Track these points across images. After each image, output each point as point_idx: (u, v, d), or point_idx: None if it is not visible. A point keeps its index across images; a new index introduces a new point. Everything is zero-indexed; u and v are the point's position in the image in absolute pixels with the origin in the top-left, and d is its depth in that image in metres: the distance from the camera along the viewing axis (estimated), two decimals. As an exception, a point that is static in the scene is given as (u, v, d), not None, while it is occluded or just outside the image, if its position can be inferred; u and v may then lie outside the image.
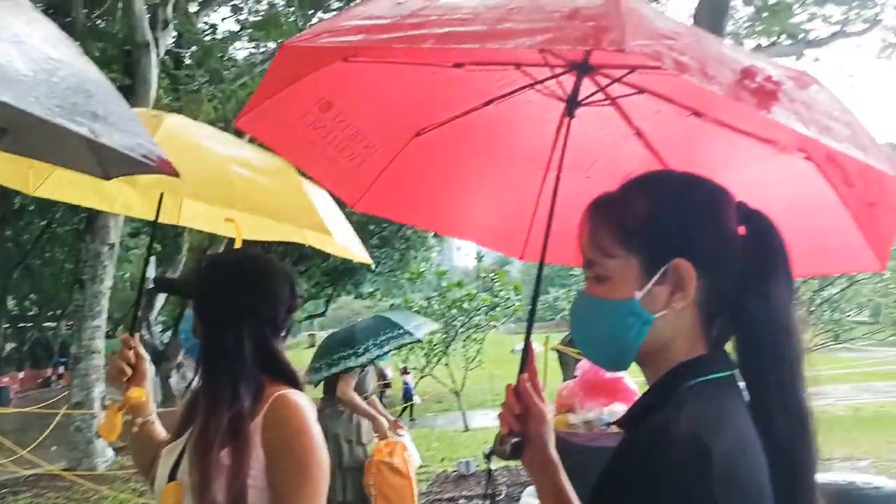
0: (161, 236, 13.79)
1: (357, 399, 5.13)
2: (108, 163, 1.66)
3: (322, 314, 25.68)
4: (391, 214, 2.08)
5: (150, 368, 2.05)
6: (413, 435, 6.65)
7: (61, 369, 29.15)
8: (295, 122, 1.64)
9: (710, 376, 1.03)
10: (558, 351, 8.67)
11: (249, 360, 1.58)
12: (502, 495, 7.18)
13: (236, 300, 1.62)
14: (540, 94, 1.60)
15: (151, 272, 17.46)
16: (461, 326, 14.50)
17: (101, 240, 10.33)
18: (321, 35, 1.27)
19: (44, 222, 21.42)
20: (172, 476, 1.58)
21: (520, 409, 1.34)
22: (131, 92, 10.13)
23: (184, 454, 1.59)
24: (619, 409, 3.83)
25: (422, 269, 17.45)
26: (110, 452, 10.40)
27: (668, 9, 14.56)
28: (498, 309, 14.75)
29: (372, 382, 5.51)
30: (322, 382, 5.26)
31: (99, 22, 13.65)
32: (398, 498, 4.98)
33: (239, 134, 4.98)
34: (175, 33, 13.33)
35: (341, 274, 20.00)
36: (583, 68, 1.53)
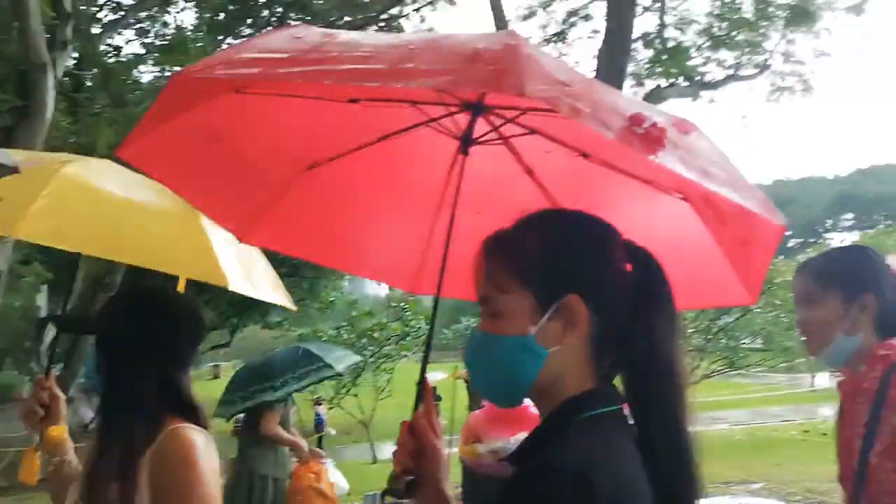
0: (54, 264, 13.11)
1: (281, 432, 5.01)
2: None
3: (227, 345, 24.94)
4: (283, 248, 2.05)
5: (65, 407, 1.99)
6: (321, 467, 6.51)
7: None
8: (181, 154, 1.61)
9: (599, 411, 1.06)
10: (466, 381, 8.70)
11: (149, 396, 1.57)
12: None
13: (139, 336, 1.61)
14: (434, 131, 1.62)
15: (43, 302, 16.54)
16: (371, 356, 14.36)
17: (-13, 267, 9.73)
18: (216, 67, 1.25)
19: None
20: None
21: (414, 446, 1.32)
22: (26, 113, 9.66)
23: None
24: (526, 438, 3.86)
25: (332, 299, 17.25)
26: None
27: (575, 48, 15.11)
28: (409, 338, 14.71)
29: (293, 415, 5.39)
30: (242, 415, 5.09)
31: (-8, 40, 13.05)
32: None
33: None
34: (76, 55, 12.86)
35: (248, 303, 19.52)
36: (477, 108, 1.57)
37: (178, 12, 14.75)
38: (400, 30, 15.05)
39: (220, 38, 14.42)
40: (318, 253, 2.10)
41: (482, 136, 1.62)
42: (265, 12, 14.66)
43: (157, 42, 15.28)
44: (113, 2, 14.57)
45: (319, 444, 17.86)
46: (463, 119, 1.60)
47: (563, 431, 1.03)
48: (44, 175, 2.02)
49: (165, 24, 15.28)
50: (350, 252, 2.03)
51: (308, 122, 1.63)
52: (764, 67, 15.04)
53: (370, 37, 1.14)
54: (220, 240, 2.35)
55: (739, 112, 17.79)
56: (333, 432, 16.98)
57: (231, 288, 2.35)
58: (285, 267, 17.12)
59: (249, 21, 14.49)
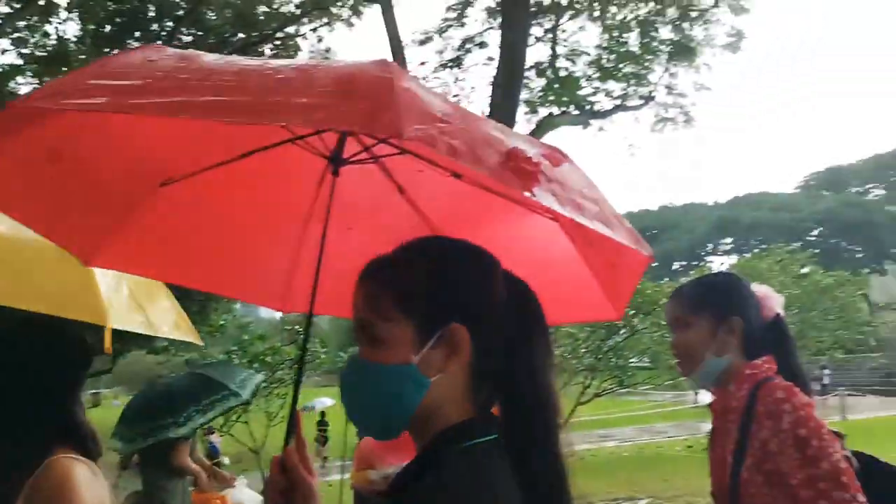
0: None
1: (192, 463, 4.80)
2: None
3: (108, 371, 23.60)
4: (132, 268, 1.96)
5: None
6: (208, 499, 6.27)
7: None
8: (16, 176, 1.49)
9: (476, 440, 1.05)
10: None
11: (36, 425, 1.51)
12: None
13: (23, 364, 1.54)
14: (301, 148, 1.58)
15: None
16: (264, 382, 13.95)
17: None
18: (59, 96, 1.15)
19: None
20: None
21: (286, 484, 1.26)
22: None
23: None
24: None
25: (222, 322, 16.67)
26: None
27: (471, 74, 15.41)
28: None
29: (197, 442, 5.18)
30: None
31: None
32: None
33: None
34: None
35: (131, 327, 18.56)
36: (346, 128, 1.56)
37: (59, 23, 13.99)
38: (296, 49, 14.89)
39: (107, 50, 13.81)
40: (172, 272, 2.01)
41: (353, 155, 1.60)
42: (154, 25, 14.18)
43: (37, 53, 14.47)
44: (-13, 10, 13.73)
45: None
46: (331, 137, 1.57)
47: (441, 462, 1.02)
48: None
49: (46, 35, 14.50)
50: (209, 271, 1.95)
51: (161, 136, 1.54)
52: (649, 99, 15.84)
53: (234, 62, 1.03)
54: (111, 274, 2.23)
55: (628, 140, 18.77)
56: (227, 461, 16.39)
57: (112, 325, 2.23)
58: (170, 288, 16.43)
59: (137, 34, 13.96)
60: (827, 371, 25.90)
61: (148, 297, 2.41)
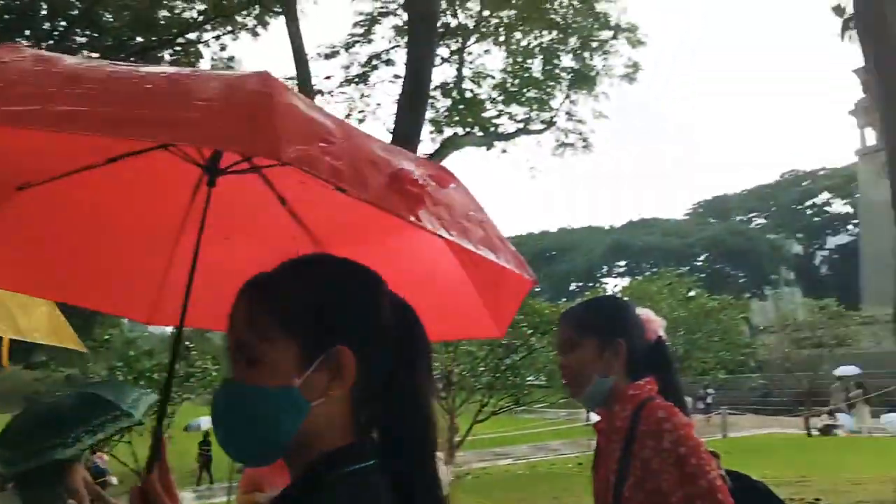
0: None
1: (83, 487, 4.48)
2: None
3: (-22, 386, 21.98)
4: None
5: None
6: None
7: None
8: None
9: (355, 466, 1.02)
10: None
11: None
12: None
13: None
14: (174, 155, 1.50)
15: None
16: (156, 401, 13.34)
17: None
18: None
19: None
20: None
21: None
22: None
23: None
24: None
25: (107, 336, 15.88)
26: None
27: (377, 91, 15.44)
28: (193, 380, 13.86)
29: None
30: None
31: None
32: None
33: None
34: None
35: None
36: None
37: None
38: (198, 56, 14.49)
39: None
40: (26, 283, 1.88)
41: (231, 165, 1.53)
42: (46, 24, 13.47)
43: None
44: None
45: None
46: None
47: (319, 488, 0.99)
48: None
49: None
50: (68, 281, 1.83)
51: (16, 136, 1.40)
52: (550, 124, 16.33)
53: (99, 67, 0.93)
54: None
55: (530, 163, 19.15)
56: (116, 481, 15.57)
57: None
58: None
59: (28, 33, 13.21)
60: (710, 391, 27.14)
61: (18, 301, 2.24)
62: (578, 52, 15.88)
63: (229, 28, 14.43)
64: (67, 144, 1.43)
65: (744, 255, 56.98)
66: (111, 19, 13.85)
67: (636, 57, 16.10)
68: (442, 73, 15.58)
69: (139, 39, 13.74)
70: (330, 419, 1.04)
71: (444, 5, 14.18)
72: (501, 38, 15.72)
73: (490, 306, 1.64)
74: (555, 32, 15.75)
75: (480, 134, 15.46)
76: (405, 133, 9.40)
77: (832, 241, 61.61)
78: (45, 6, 13.29)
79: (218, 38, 14.70)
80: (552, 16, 15.35)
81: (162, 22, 13.96)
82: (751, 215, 65.77)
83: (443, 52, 15.04)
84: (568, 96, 16.15)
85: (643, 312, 2.20)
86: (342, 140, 1.05)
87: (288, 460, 1.06)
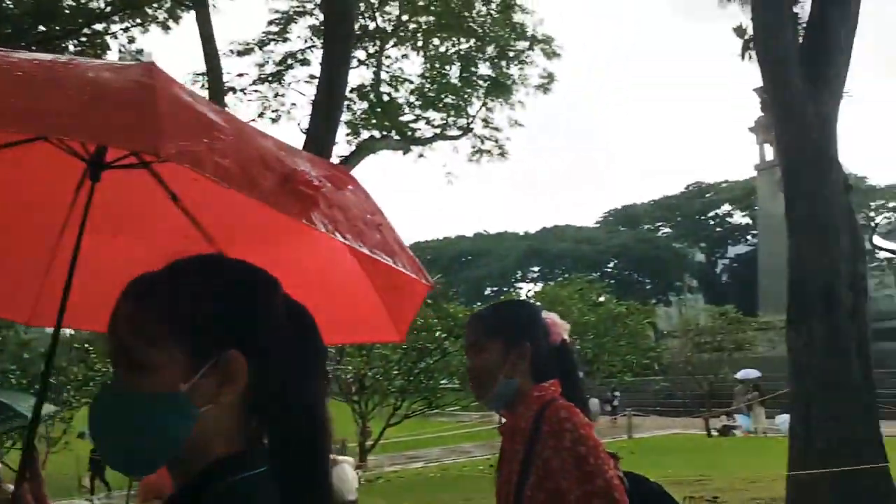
0: None
1: None
2: None
3: None
4: None
5: None
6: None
7: None
8: None
9: (245, 474, 0.99)
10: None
11: None
12: None
13: None
14: (57, 148, 1.41)
15: None
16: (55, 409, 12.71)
17: None
18: None
19: None
20: None
21: None
22: None
23: None
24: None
25: (-1, 338, 15.04)
26: None
27: (292, 91, 15.20)
28: (92, 384, 13.27)
29: None
30: None
31: None
32: None
33: None
34: None
35: None
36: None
37: None
38: (105, 48, 13.89)
39: None
40: None
41: (118, 159, 1.46)
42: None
43: None
44: None
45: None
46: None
47: (205, 498, 0.95)
48: None
49: None
50: None
51: None
52: (467, 130, 16.47)
53: None
54: None
55: (447, 168, 19.22)
56: (12, 487, 14.65)
57: None
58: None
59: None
60: (617, 393, 27.94)
61: None
62: (495, 60, 16.10)
63: (139, 20, 13.90)
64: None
65: (650, 262, 58.92)
66: (11, 5, 13.11)
67: (551, 68, 16.43)
68: (359, 76, 15.50)
69: (41, 28, 13.05)
70: (219, 426, 1.00)
71: (361, 8, 14.10)
72: (419, 44, 15.77)
73: (391, 311, 1.64)
74: (472, 40, 15.92)
75: (397, 138, 15.44)
76: (319, 134, 9.30)
77: (732, 251, 64.50)
78: (-65, -12, 12.48)
79: (126, 30, 14.12)
80: (470, 24, 15.51)
81: (66, 11, 13.30)
82: (658, 224, 68.05)
83: (360, 54, 14.96)
84: (485, 104, 16.35)
85: (549, 316, 2.25)
86: (232, 137, 1.01)
87: (174, 468, 1.02)
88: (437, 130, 16.19)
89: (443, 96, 15.84)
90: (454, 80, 15.78)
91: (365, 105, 15.18)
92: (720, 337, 27.50)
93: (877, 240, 65.74)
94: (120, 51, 14.09)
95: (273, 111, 15.05)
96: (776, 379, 23.74)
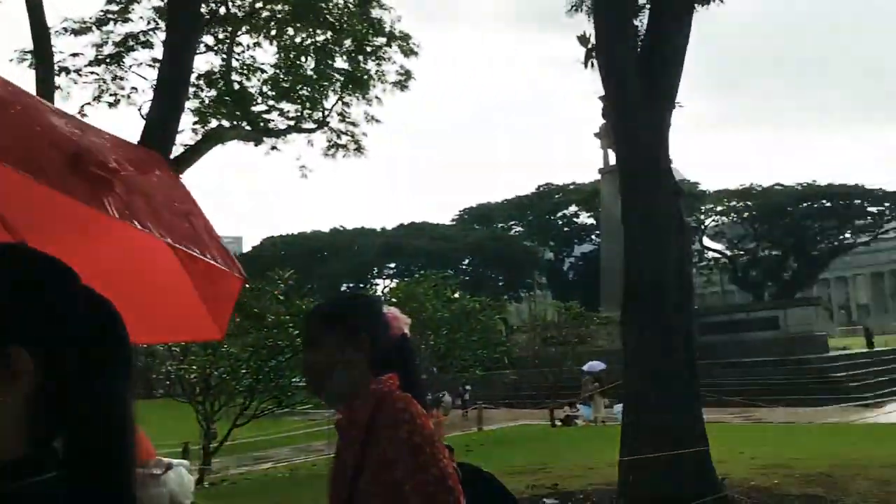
0: None
1: None
2: None
3: None
4: None
5: None
6: None
7: None
8: None
9: (31, 479, 0.91)
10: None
11: None
12: None
13: None
14: None
15: None
16: None
17: None
18: None
19: None
20: None
21: None
22: None
23: None
24: None
25: None
26: None
27: (133, 75, 14.32)
28: None
29: None
30: None
31: None
32: None
33: None
34: None
35: None
36: None
37: None
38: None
39: None
40: None
41: None
42: None
43: None
44: None
45: None
46: None
47: None
48: None
49: None
50: None
51: None
52: (322, 124, 16.20)
53: None
54: None
55: (301, 162, 18.74)
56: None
57: None
58: None
59: None
60: (468, 387, 28.62)
61: None
62: (353, 54, 15.94)
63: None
64: None
65: (503, 259, 60.80)
66: None
67: (409, 65, 16.47)
68: (207, 62, 14.87)
69: None
70: (1, 428, 0.92)
71: (211, -9, 13.53)
72: (273, 33, 15.33)
73: (211, 308, 1.56)
74: (329, 33, 15.69)
75: (248, 128, 14.94)
76: (161, 120, 8.83)
77: (579, 250, 67.91)
78: None
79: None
80: (326, 16, 15.27)
81: None
82: (510, 223, 70.38)
83: (209, 39, 14.33)
84: (341, 97, 16.15)
85: (390, 310, 2.24)
86: (15, 113, 0.92)
87: None
88: (292, 123, 15.82)
89: (298, 88, 15.49)
90: (310, 72, 15.47)
91: (214, 93, 14.56)
92: (565, 331, 28.83)
93: (706, 241, 71.43)
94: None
95: (111, 95, 14.13)
96: (616, 371, 25.28)
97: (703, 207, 66.47)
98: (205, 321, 1.58)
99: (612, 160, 38.58)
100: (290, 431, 20.26)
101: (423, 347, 21.62)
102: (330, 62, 15.77)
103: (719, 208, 67.84)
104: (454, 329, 23.23)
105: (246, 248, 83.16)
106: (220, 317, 1.60)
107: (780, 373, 26.76)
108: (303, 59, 15.55)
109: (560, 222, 68.29)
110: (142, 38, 14.00)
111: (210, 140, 13.56)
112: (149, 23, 14.16)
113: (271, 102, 15.56)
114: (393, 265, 64.29)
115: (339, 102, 16.20)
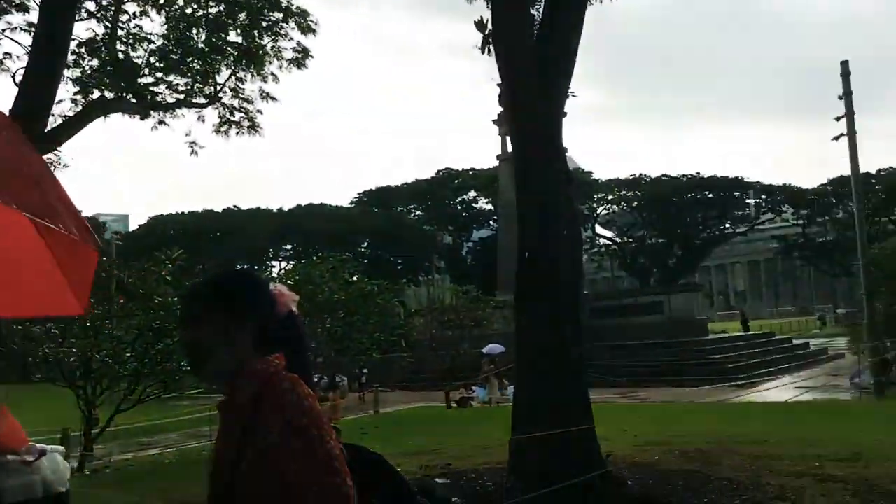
0: None
1: None
2: None
3: None
4: None
5: None
6: None
7: None
8: None
9: None
10: None
11: None
12: None
13: None
14: None
15: None
16: None
17: None
18: None
19: None
20: None
21: None
22: None
23: None
24: None
25: None
26: None
27: (4, 40, 13.31)
28: None
29: None
30: None
31: None
32: None
33: None
34: None
35: None
36: None
37: None
38: None
39: None
40: None
41: None
42: None
43: None
44: None
45: None
46: None
47: None
48: None
49: None
50: None
51: None
52: (214, 99, 15.58)
53: None
54: None
55: (190, 138, 17.79)
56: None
57: None
58: None
59: None
60: (365, 370, 28.58)
61: None
62: (247, 29, 15.39)
63: None
64: None
65: (402, 243, 60.88)
66: None
67: (306, 43, 16.05)
68: (90, 29, 14.01)
69: None
70: None
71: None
72: (162, 2, 14.59)
73: (71, 279, 1.46)
74: (222, 5, 15.10)
75: (134, 101, 14.20)
76: (36, 87, 8.26)
77: (477, 235, 68.88)
78: None
79: None
80: (220, -13, 14.70)
81: None
82: (410, 207, 70.46)
83: (90, 5, 13.49)
84: (234, 73, 15.57)
85: (276, 287, 2.19)
86: None
87: None
88: (181, 97, 15.13)
89: (188, 61, 14.82)
90: (201, 45, 14.82)
91: (96, 62, 13.75)
92: (462, 315, 29.18)
93: (598, 229, 73.94)
94: None
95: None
96: (513, 353, 25.84)
97: (595, 196, 68.75)
98: (67, 296, 1.49)
99: (510, 147, 39.25)
100: (178, 416, 19.62)
101: (319, 331, 21.36)
102: (223, 35, 15.17)
103: (611, 197, 70.37)
104: (351, 312, 23.06)
105: (133, 227, 79.66)
106: (81, 293, 1.50)
107: (663, 355, 28.11)
108: (194, 31, 14.88)
109: (459, 207, 68.97)
110: (16, 1, 13.03)
111: (92, 112, 12.80)
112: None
113: (159, 75, 14.83)
114: (289, 247, 63.23)
115: (233, 78, 15.63)
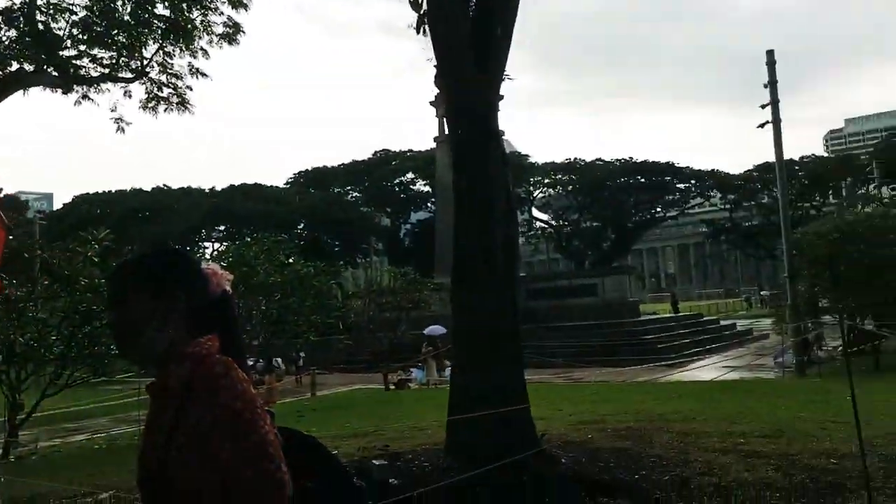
0: None
1: None
2: None
3: None
4: None
5: None
6: None
7: None
8: None
9: None
10: None
11: None
12: None
13: None
14: None
15: None
16: None
17: None
18: None
19: None
20: None
21: None
22: None
23: None
24: None
25: None
26: None
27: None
28: None
29: None
30: None
31: None
32: None
33: None
34: None
35: None
36: None
37: None
38: None
39: None
40: None
41: None
42: None
43: None
44: None
45: None
46: None
47: None
48: None
49: None
50: None
51: None
52: (141, 74, 15.03)
53: None
54: None
55: (116, 114, 16.92)
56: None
57: None
58: None
59: None
60: (302, 353, 28.35)
61: None
62: (175, 2, 14.86)
63: None
64: None
65: (340, 224, 60.33)
66: None
67: (238, 18, 15.59)
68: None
69: None
70: None
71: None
72: (84, -30, 13.96)
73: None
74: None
75: (55, 74, 13.58)
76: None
77: (415, 217, 68.75)
78: None
79: None
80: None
81: None
82: (347, 188, 69.79)
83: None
84: (162, 47, 15.03)
85: (209, 266, 2.12)
86: None
87: None
88: (106, 70, 14.54)
89: (113, 33, 14.22)
90: (126, 18, 14.25)
91: (14, 33, 13.09)
92: (400, 297, 29.16)
93: (534, 212, 74.83)
94: None
95: None
96: (447, 335, 25.99)
97: (532, 179, 69.47)
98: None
99: (447, 129, 39.26)
100: (108, 401, 19.10)
101: (254, 313, 21.05)
102: (150, 8, 14.61)
103: (547, 181, 71.23)
104: (287, 294, 22.75)
105: (57, 206, 76.72)
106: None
107: (597, 336, 28.75)
108: (119, 2, 14.29)
109: (397, 189, 68.64)
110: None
111: (10, 85, 12.21)
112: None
113: (82, 47, 14.22)
114: (222, 228, 61.89)
115: (161, 52, 15.10)
